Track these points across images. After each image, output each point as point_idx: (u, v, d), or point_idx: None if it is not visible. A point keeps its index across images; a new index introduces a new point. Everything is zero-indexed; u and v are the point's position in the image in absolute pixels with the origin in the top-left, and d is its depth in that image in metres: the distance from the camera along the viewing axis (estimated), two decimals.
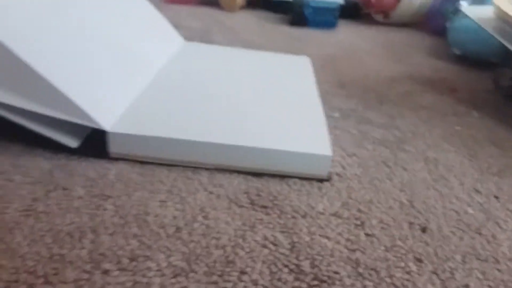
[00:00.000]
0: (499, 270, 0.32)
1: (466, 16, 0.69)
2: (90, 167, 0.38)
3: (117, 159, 0.39)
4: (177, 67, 0.54)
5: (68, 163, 0.38)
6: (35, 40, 0.38)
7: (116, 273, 0.28)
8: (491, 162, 0.46)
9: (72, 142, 0.39)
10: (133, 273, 0.28)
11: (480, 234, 0.35)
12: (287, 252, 0.31)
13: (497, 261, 0.32)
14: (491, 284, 0.30)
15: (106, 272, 0.28)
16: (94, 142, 0.39)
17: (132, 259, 0.29)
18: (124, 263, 0.29)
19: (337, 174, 0.41)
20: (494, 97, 0.65)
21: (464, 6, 0.77)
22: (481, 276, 0.31)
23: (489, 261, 0.32)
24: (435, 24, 0.98)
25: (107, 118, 0.39)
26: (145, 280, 0.28)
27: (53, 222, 0.31)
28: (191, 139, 0.39)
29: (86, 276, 0.27)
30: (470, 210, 0.38)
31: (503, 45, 0.65)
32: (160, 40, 0.60)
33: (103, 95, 0.41)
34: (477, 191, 0.41)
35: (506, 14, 0.59)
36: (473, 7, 0.69)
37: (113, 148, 0.39)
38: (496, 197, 0.40)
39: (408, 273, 0.30)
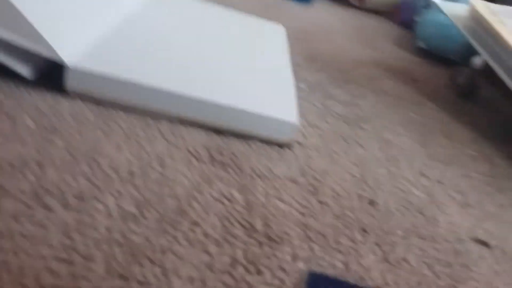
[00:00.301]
0: (436, 249, 0.34)
1: (438, 10, 0.71)
2: (43, 100, 0.35)
3: (73, 96, 0.37)
4: (147, 14, 0.52)
5: (19, 93, 0.35)
6: None
7: (60, 210, 0.26)
8: (439, 150, 0.49)
9: (27, 72, 0.36)
10: (79, 212, 0.27)
11: (422, 214, 0.37)
12: (241, 209, 0.31)
13: (435, 241, 0.34)
14: (427, 261, 0.32)
15: (48, 208, 0.26)
16: (50, 78, 0.37)
17: (78, 198, 0.28)
18: (70, 201, 0.27)
19: (298, 142, 0.41)
20: (450, 92, 0.68)
21: (438, 1, 0.78)
22: (419, 253, 0.33)
23: (428, 239, 0.34)
24: (405, 16, 1.00)
25: (68, 52, 0.36)
26: (90, 220, 0.27)
27: None
28: (154, 86, 0.37)
29: (25, 209, 0.26)
30: (415, 191, 0.40)
31: (465, 44, 0.68)
32: None
33: (68, 29, 0.38)
34: (424, 175, 0.43)
35: (479, 14, 0.61)
36: (447, 3, 0.71)
37: (71, 84, 0.36)
38: (440, 183, 0.43)
39: (353, 241, 0.32)
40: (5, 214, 0.25)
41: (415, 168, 0.44)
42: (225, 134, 0.39)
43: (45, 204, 0.26)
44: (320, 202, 0.34)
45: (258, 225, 0.30)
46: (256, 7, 0.81)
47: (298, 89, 0.52)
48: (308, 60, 0.63)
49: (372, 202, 0.36)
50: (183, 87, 0.38)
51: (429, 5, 0.85)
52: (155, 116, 0.38)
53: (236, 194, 0.32)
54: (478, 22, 0.59)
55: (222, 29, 0.56)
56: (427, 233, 0.35)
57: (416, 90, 0.65)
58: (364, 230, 0.33)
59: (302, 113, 0.47)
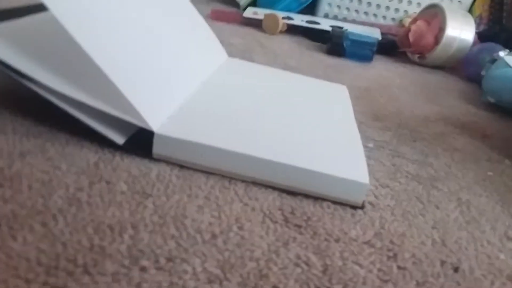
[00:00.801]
0: None
1: (505, 65, 0.69)
2: (133, 165, 0.39)
3: (159, 160, 0.40)
4: (222, 79, 0.56)
5: (113, 158, 0.39)
6: (97, 34, 0.40)
7: (153, 271, 0.28)
8: None
9: (119, 138, 0.40)
10: (170, 274, 0.28)
11: (511, 281, 0.35)
12: (320, 274, 0.31)
13: None
14: None
15: (143, 269, 0.28)
16: (137, 141, 0.41)
17: (169, 260, 0.29)
18: (162, 263, 0.29)
19: (370, 203, 0.41)
20: None
21: (504, 55, 0.77)
22: None
23: None
24: (470, 70, 0.99)
25: (155, 119, 0.40)
26: (180, 282, 0.28)
27: (95, 214, 0.32)
28: (232, 150, 0.40)
29: (124, 270, 0.28)
30: (501, 256, 0.38)
31: None
32: (207, 52, 0.62)
33: (154, 96, 0.42)
34: (509, 238, 0.41)
35: None
36: None
37: (157, 149, 0.40)
38: None
39: None
40: (107, 273, 0.27)
41: (499, 230, 0.42)
42: (297, 195, 0.40)
43: (141, 265, 0.28)
44: (400, 268, 0.34)
45: None
46: (318, 69, 0.84)
47: (366, 148, 0.53)
48: (373, 118, 0.64)
49: (456, 268, 0.35)
50: (257, 150, 0.40)
51: (495, 60, 0.84)
52: (231, 178, 0.40)
53: (312, 258, 0.33)
54: None
55: (289, 92, 0.59)
56: None
57: (490, 147, 0.62)
58: None
59: (371, 173, 0.47)
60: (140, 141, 0.40)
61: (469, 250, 0.37)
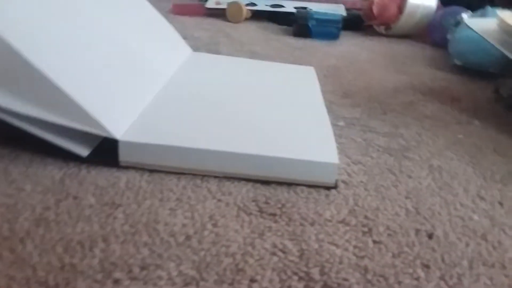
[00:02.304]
0: (506, 276, 0.32)
1: (468, 28, 0.70)
2: (100, 176, 0.38)
3: (127, 167, 0.40)
4: (186, 77, 0.55)
5: (79, 172, 0.38)
6: (46, 47, 0.39)
7: (127, 282, 0.28)
8: (494, 169, 0.47)
9: (82, 151, 0.39)
10: (144, 282, 0.28)
11: (486, 240, 0.35)
12: (297, 260, 0.31)
13: (504, 267, 0.33)
14: None
15: (117, 281, 0.28)
16: (104, 150, 0.40)
17: (143, 268, 0.29)
18: (135, 272, 0.29)
19: (344, 182, 0.42)
20: (495, 106, 0.66)
21: (466, 19, 0.78)
22: (488, 282, 0.31)
23: (496, 266, 0.33)
24: (436, 36, 0.99)
25: (117, 127, 0.40)
26: None
27: (64, 231, 0.32)
28: (200, 148, 0.39)
29: (97, 286, 0.28)
30: (475, 217, 0.38)
31: (504, 55, 0.66)
32: (169, 50, 0.61)
33: (114, 103, 0.42)
34: (482, 198, 0.41)
35: (509, 26, 0.60)
36: (475, 20, 0.70)
37: (123, 156, 0.39)
38: (501, 204, 0.41)
39: (416, 279, 0.31)
40: None
41: (472, 192, 0.42)
42: (271, 183, 0.40)
43: (114, 277, 0.28)
44: (376, 242, 0.34)
45: (316, 274, 0.30)
46: (286, 53, 0.84)
47: (336, 126, 0.53)
48: (343, 96, 0.64)
49: (430, 235, 0.35)
50: (225, 144, 0.40)
51: (459, 23, 0.84)
52: (204, 175, 0.40)
53: (288, 244, 0.33)
54: (508, 33, 0.58)
55: (256, 80, 0.58)
56: (494, 259, 0.33)
57: (459, 110, 0.63)
58: (427, 266, 0.32)
59: (343, 151, 0.47)
60: (107, 151, 0.40)
61: (442, 215, 0.38)
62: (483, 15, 0.82)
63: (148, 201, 0.36)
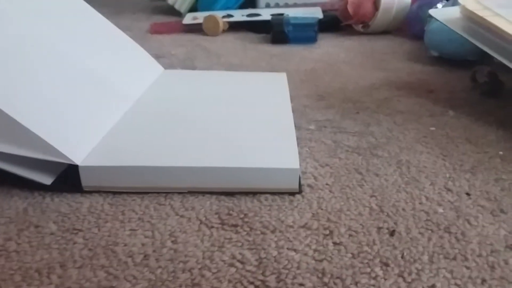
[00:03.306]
0: (467, 268, 0.32)
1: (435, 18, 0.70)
2: (63, 202, 0.39)
3: (91, 192, 0.40)
4: (153, 96, 0.56)
5: (43, 200, 0.39)
6: None
7: None
8: (464, 159, 0.46)
9: (46, 179, 0.40)
10: None
11: (449, 232, 0.35)
12: (254, 269, 0.31)
13: (466, 259, 0.32)
14: (459, 282, 0.30)
15: None
16: (70, 177, 0.40)
17: None
18: None
19: (309, 186, 0.42)
20: (472, 95, 0.65)
21: (431, 9, 0.78)
22: (448, 275, 0.31)
23: (457, 259, 0.32)
24: (415, 28, 0.99)
25: (78, 153, 0.40)
26: None
27: (23, 260, 0.32)
28: (160, 165, 0.40)
29: None
30: (440, 210, 0.38)
31: None
32: (138, 70, 0.62)
33: (73, 129, 0.42)
34: (448, 190, 0.41)
35: (472, 12, 0.60)
36: (440, 9, 0.70)
37: (86, 181, 0.40)
38: (468, 194, 0.40)
39: (374, 278, 0.31)
40: None
41: (438, 184, 0.42)
42: (235, 195, 0.40)
43: None
44: (336, 244, 0.34)
45: (272, 282, 0.30)
46: (263, 62, 0.84)
47: (307, 130, 0.53)
48: (318, 99, 0.64)
49: (392, 232, 0.35)
50: (187, 160, 0.40)
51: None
52: (168, 193, 0.40)
53: (247, 254, 0.33)
54: (474, 21, 0.58)
55: (224, 92, 0.59)
56: (456, 252, 0.33)
57: (433, 101, 0.63)
58: (386, 264, 0.32)
59: (311, 155, 0.47)
60: (72, 177, 0.40)
61: (406, 211, 0.38)
62: (455, 4, 0.82)
63: (108, 224, 0.36)
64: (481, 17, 0.56)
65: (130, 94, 0.54)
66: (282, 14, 1.06)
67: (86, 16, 0.60)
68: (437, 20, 0.70)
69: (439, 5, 0.93)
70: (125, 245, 0.34)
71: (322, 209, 0.38)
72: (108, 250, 0.33)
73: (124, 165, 0.40)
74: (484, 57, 0.72)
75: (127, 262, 0.32)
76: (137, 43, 0.66)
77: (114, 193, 0.40)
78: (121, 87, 0.54)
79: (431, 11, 0.67)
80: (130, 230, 0.35)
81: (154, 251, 0.33)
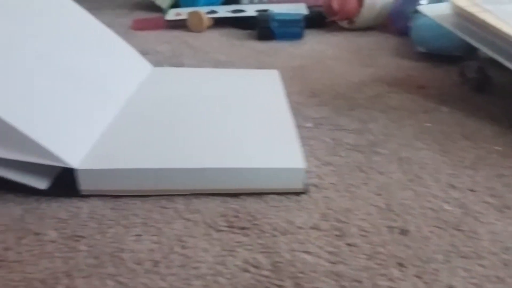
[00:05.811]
0: (482, 266, 0.32)
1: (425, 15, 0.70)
2: (61, 208, 0.37)
3: (89, 196, 0.38)
4: (145, 94, 0.54)
5: (39, 206, 0.37)
6: None
7: None
8: (463, 155, 0.47)
9: (41, 184, 0.38)
10: None
11: (459, 230, 0.35)
12: (269, 274, 0.31)
13: (480, 257, 0.32)
14: (476, 281, 0.30)
15: None
16: (66, 180, 0.38)
17: None
18: None
19: (314, 185, 0.41)
20: (462, 90, 0.66)
21: (421, 6, 0.78)
22: (465, 274, 0.31)
23: (472, 257, 0.32)
24: (399, 24, 1.00)
25: (74, 155, 0.38)
26: None
27: (26, 271, 0.30)
28: (162, 167, 0.38)
29: None
30: (447, 207, 0.38)
31: None
32: (127, 69, 0.60)
33: (68, 132, 0.40)
34: (453, 186, 0.41)
35: (461, 9, 0.60)
36: (430, 5, 0.70)
37: (84, 185, 0.38)
38: (472, 190, 0.41)
39: (391, 280, 0.30)
40: None
41: (442, 181, 0.42)
42: (240, 196, 0.39)
43: None
44: (349, 245, 0.33)
45: (289, 287, 0.29)
46: (251, 58, 0.83)
47: (305, 128, 0.52)
48: (310, 96, 0.64)
49: (403, 231, 0.35)
50: (190, 161, 0.39)
51: (418, 10, 0.85)
52: (170, 195, 0.39)
53: (260, 258, 0.32)
54: (463, 17, 0.58)
55: (218, 90, 0.57)
56: (469, 250, 0.33)
57: (425, 97, 0.63)
58: (401, 265, 0.32)
59: (312, 153, 0.47)
60: (68, 181, 0.38)
61: (414, 209, 0.38)
62: (439, 1, 0.83)
63: (112, 229, 0.35)
64: (470, 13, 0.57)
65: (121, 93, 0.52)
66: (266, 10, 1.05)
67: (72, 13, 0.58)
68: (426, 16, 0.71)
69: (424, 1, 0.94)
70: (132, 251, 0.32)
71: (330, 209, 0.38)
72: (115, 257, 0.32)
73: (124, 168, 0.38)
74: (471, 53, 0.73)
75: (136, 270, 0.31)
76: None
77: (114, 196, 0.38)
78: (111, 86, 0.52)
79: (422, 8, 0.67)
80: (135, 235, 0.34)
81: (163, 257, 0.32)
